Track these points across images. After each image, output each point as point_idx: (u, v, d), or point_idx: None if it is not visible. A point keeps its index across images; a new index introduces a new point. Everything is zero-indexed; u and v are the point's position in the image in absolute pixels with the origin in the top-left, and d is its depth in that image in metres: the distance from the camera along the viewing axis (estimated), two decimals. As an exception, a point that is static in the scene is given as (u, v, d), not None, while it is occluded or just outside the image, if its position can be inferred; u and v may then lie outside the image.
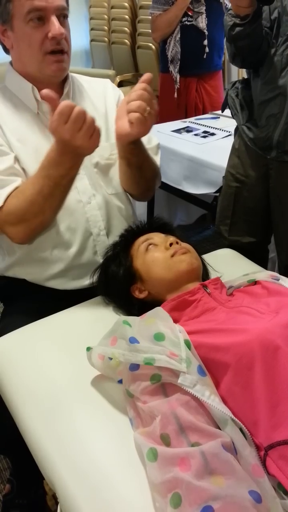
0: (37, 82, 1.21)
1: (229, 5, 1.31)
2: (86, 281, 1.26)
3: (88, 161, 1.27)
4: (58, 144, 1.05)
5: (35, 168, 1.19)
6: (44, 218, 1.17)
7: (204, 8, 2.57)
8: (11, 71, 1.24)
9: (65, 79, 1.27)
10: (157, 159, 1.38)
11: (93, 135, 1.04)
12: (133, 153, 1.21)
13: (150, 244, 1.09)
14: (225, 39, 1.42)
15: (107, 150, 1.31)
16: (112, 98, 1.37)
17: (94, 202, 1.28)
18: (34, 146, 1.21)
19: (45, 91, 1.01)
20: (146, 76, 1.10)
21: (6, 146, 1.20)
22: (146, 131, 1.13)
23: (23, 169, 1.20)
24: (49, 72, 1.17)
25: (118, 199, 1.34)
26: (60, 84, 1.26)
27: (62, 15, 1.15)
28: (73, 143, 1.03)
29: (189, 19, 2.60)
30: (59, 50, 1.15)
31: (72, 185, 1.22)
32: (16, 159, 1.20)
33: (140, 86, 1.08)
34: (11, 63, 1.25)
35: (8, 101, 1.24)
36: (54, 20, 1.12)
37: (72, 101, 1.25)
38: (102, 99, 1.36)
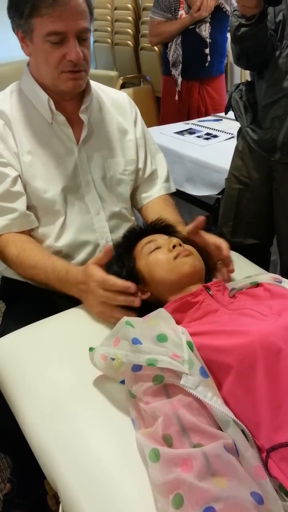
0: (53, 93, 1.20)
1: (235, 4, 1.31)
2: None
3: (100, 174, 1.28)
4: (78, 287, 1.09)
5: (42, 178, 1.21)
6: (24, 277, 1.22)
7: (209, 16, 2.57)
8: (28, 75, 1.23)
9: (85, 90, 1.25)
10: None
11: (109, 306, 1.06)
12: None
13: (153, 246, 1.10)
14: (227, 43, 1.44)
15: (121, 165, 1.32)
16: (129, 114, 1.37)
17: (103, 214, 1.28)
18: (43, 157, 1.22)
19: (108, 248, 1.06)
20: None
21: (12, 159, 1.19)
22: None
23: (29, 180, 1.20)
24: (64, 88, 1.17)
25: (127, 212, 1.35)
26: (80, 94, 1.25)
27: (83, 38, 1.12)
28: (88, 303, 1.09)
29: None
30: (76, 70, 1.14)
31: (83, 196, 1.26)
32: (17, 179, 1.19)
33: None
34: (28, 64, 1.23)
35: (23, 106, 1.23)
36: (73, 43, 1.10)
37: (91, 115, 1.27)
38: (121, 114, 1.36)
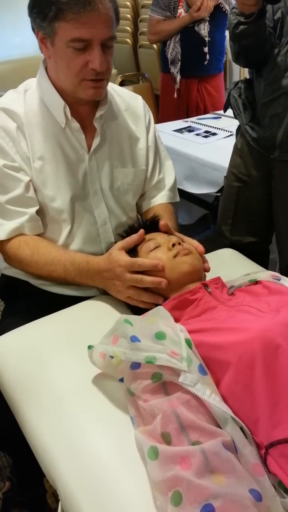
0: (70, 97, 1.16)
1: (234, 3, 1.31)
2: (91, 290, 1.24)
3: (108, 183, 1.26)
4: (102, 275, 1.09)
5: (51, 185, 1.19)
6: (39, 276, 1.20)
7: (208, 15, 2.56)
8: (44, 76, 1.17)
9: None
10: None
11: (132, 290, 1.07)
12: None
13: (152, 244, 1.09)
14: (226, 42, 1.44)
15: (130, 175, 1.30)
16: (143, 121, 1.33)
17: (109, 224, 1.27)
18: (54, 163, 1.19)
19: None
20: None
21: (23, 164, 1.17)
22: None
23: (39, 186, 1.18)
24: (84, 96, 1.13)
25: (133, 221, 1.33)
26: (96, 100, 1.20)
27: (108, 46, 1.08)
28: (115, 289, 1.09)
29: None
30: (98, 79, 1.10)
31: (90, 205, 1.24)
32: (29, 185, 1.17)
33: None
34: (44, 62, 1.18)
35: (37, 108, 1.19)
36: (97, 51, 1.04)
37: (104, 122, 1.24)
38: (134, 120, 1.32)
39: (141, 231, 1.11)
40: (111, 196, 1.27)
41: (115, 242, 1.20)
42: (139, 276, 1.04)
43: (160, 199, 1.38)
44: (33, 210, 1.18)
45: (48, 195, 1.19)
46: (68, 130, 1.19)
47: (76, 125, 1.19)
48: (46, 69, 1.18)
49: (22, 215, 1.17)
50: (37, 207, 1.19)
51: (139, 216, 1.41)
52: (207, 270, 1.12)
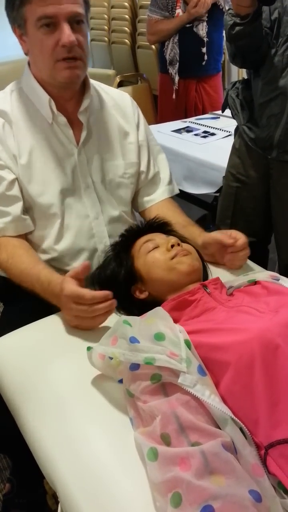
0: (53, 88, 1.18)
1: (230, 4, 1.31)
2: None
3: (99, 177, 1.27)
4: (57, 299, 1.05)
5: (39, 180, 1.20)
6: (15, 281, 1.18)
7: (206, 15, 2.56)
8: (28, 74, 1.21)
9: (85, 89, 1.23)
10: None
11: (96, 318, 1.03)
12: None
13: (151, 245, 1.09)
14: (224, 41, 1.44)
15: (121, 168, 1.31)
16: (132, 117, 1.35)
17: (102, 218, 1.27)
18: (42, 158, 1.20)
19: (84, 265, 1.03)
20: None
21: (9, 162, 1.18)
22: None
23: (25, 182, 1.19)
24: (61, 79, 1.14)
25: (127, 215, 1.34)
26: (80, 94, 1.23)
27: (76, 21, 1.10)
28: (65, 316, 1.06)
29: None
30: (71, 57, 1.11)
31: (82, 199, 1.24)
32: (14, 182, 1.18)
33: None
34: (29, 63, 1.22)
35: (24, 106, 1.21)
36: (65, 27, 1.08)
37: (91, 116, 1.25)
38: (122, 115, 1.33)
39: (85, 263, 1.06)
40: (103, 189, 1.28)
41: (112, 245, 1.20)
42: (86, 307, 0.99)
43: (161, 195, 1.39)
44: (16, 209, 1.19)
45: (35, 190, 1.20)
46: (55, 125, 1.21)
47: (62, 119, 1.21)
48: (30, 68, 1.22)
49: (5, 216, 1.18)
50: (21, 203, 1.20)
51: (135, 213, 1.41)
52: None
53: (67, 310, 1.04)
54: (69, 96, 1.21)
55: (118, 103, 1.34)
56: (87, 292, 0.99)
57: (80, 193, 1.25)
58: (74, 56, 1.12)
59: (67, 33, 1.08)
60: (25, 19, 1.10)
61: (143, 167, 1.37)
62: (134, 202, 1.41)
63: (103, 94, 1.33)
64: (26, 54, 1.19)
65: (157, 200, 1.39)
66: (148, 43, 4.02)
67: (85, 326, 1.05)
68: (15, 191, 1.19)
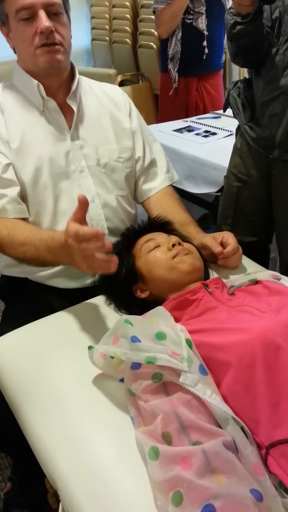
0: (40, 78, 1.21)
1: (231, 3, 1.31)
2: (87, 280, 1.26)
3: (94, 161, 1.28)
4: (64, 250, 1.00)
5: (32, 165, 1.21)
6: (17, 257, 1.17)
7: (204, 8, 2.56)
8: (17, 69, 1.25)
9: (73, 77, 1.27)
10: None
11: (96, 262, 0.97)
12: None
13: (152, 244, 1.09)
14: (225, 38, 1.44)
15: (116, 152, 1.32)
16: (123, 107, 1.38)
17: (98, 201, 1.28)
18: (35, 144, 1.22)
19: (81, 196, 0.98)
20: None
21: (3, 147, 1.20)
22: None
23: (19, 168, 1.20)
24: (42, 64, 1.17)
25: (124, 200, 1.34)
26: (67, 82, 1.26)
27: (53, 12, 1.15)
28: (75, 263, 0.99)
29: (190, 17, 2.59)
30: (49, 43, 1.15)
31: (77, 183, 1.23)
32: (9, 166, 1.19)
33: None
34: (18, 61, 1.26)
35: (15, 98, 1.25)
36: (41, 14, 1.13)
37: (82, 102, 1.29)
38: (112, 102, 1.36)
39: (81, 197, 0.98)
40: (99, 173, 1.29)
41: (113, 244, 1.20)
42: (86, 244, 0.93)
43: (161, 183, 1.41)
44: (13, 191, 1.19)
45: (29, 174, 1.21)
46: (46, 112, 1.24)
47: (52, 103, 1.23)
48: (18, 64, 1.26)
49: (2, 197, 1.18)
50: (18, 188, 1.20)
51: (136, 204, 1.41)
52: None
53: (75, 254, 0.96)
54: (57, 84, 1.24)
55: (109, 94, 1.38)
56: (88, 228, 0.95)
57: (74, 177, 1.26)
58: (53, 41, 1.16)
59: (43, 19, 1.13)
60: (6, 14, 1.16)
61: (139, 153, 1.38)
62: (136, 193, 1.42)
63: (93, 87, 1.37)
64: (14, 50, 1.24)
65: (159, 188, 1.40)
66: (149, 43, 4.04)
67: (95, 267, 0.98)
68: (11, 174, 1.20)
